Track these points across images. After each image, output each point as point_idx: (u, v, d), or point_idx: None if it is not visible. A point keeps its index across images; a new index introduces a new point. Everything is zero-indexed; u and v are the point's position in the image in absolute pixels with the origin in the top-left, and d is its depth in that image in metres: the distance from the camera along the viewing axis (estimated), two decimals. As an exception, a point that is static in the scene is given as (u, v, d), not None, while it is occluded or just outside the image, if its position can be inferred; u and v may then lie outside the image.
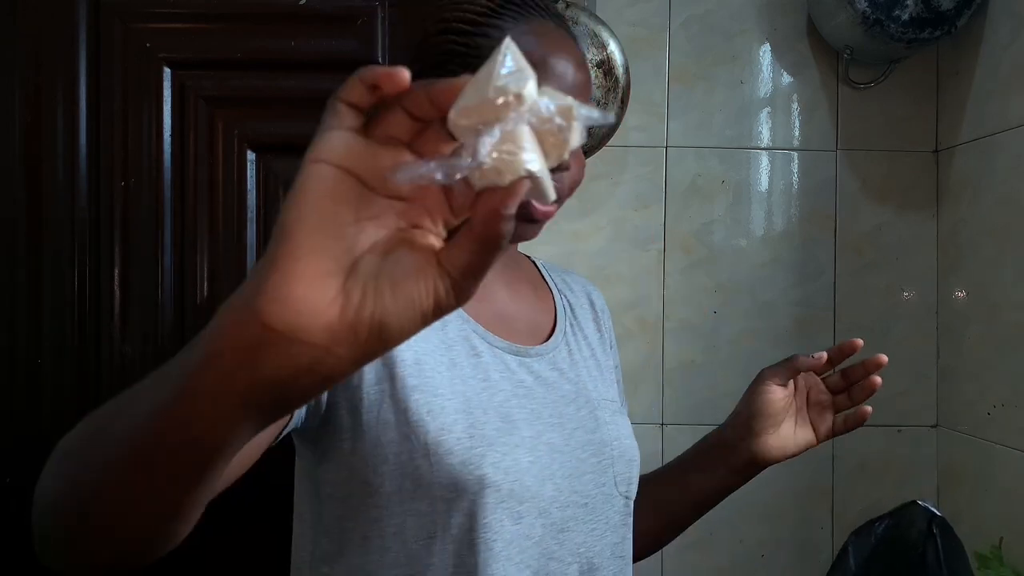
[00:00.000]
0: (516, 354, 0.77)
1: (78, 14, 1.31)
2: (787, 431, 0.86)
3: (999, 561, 1.13)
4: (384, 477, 0.68)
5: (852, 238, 1.40)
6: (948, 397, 1.37)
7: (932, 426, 1.40)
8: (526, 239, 0.77)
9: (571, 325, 0.88)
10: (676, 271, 1.39)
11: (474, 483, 0.67)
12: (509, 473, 0.69)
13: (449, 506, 0.67)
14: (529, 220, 0.73)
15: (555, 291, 0.91)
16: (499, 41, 0.63)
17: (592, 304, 0.94)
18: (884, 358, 0.84)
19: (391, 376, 0.69)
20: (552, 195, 0.35)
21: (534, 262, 0.94)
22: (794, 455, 0.87)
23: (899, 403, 1.39)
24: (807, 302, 1.40)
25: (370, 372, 0.69)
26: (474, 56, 0.71)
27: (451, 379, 0.71)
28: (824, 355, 0.83)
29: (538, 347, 0.80)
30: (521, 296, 0.85)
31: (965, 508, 1.31)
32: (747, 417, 0.86)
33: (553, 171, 0.66)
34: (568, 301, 0.91)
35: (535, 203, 0.70)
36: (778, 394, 0.85)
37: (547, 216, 0.73)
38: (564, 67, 0.71)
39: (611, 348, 0.95)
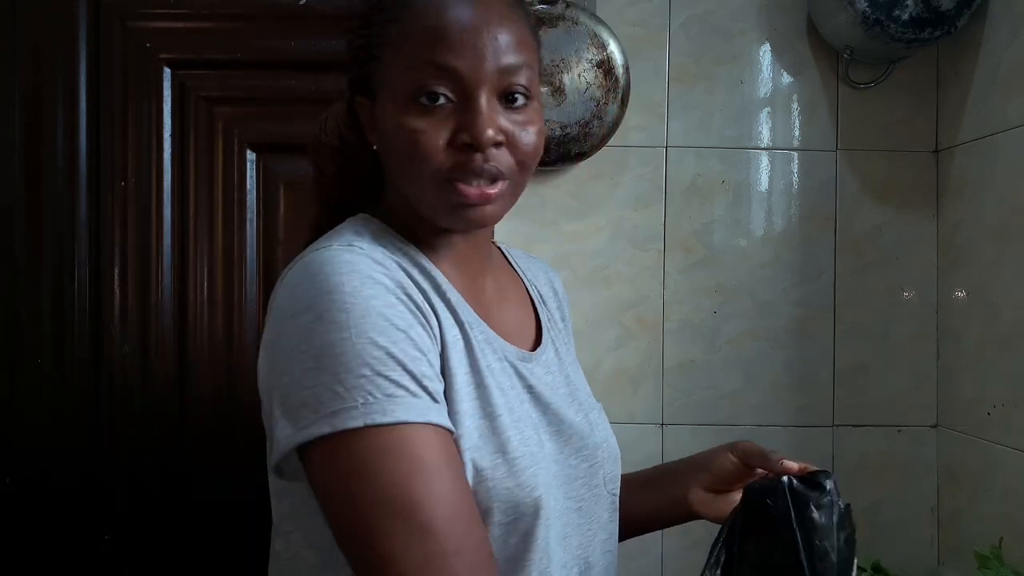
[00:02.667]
0: (521, 360, 0.76)
1: (78, 14, 1.31)
2: (724, 501, 0.82)
3: (999, 561, 1.13)
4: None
5: (852, 238, 1.40)
6: (948, 397, 1.37)
7: (932, 426, 1.40)
8: (481, 225, 0.70)
9: (549, 320, 0.87)
10: (676, 271, 1.39)
11: (530, 505, 0.65)
12: (548, 488, 0.68)
13: (504, 528, 0.65)
14: (462, 206, 0.67)
15: (526, 282, 0.89)
16: (401, 21, 0.66)
17: (555, 292, 0.92)
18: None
19: (450, 400, 0.65)
20: None
21: (502, 251, 0.90)
22: (711, 516, 0.83)
23: (899, 403, 1.39)
24: (807, 302, 1.40)
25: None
26: (377, 46, 0.68)
27: (482, 396, 0.68)
28: (795, 467, 0.77)
29: (534, 352, 0.79)
30: (510, 297, 0.83)
31: (965, 508, 1.31)
32: (699, 466, 0.85)
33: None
34: (539, 293, 0.89)
35: (460, 185, 0.66)
36: (731, 467, 0.81)
37: (483, 198, 0.66)
38: (468, 28, 0.64)
39: (571, 336, 0.94)
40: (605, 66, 1.30)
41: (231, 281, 1.33)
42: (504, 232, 1.29)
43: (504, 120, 0.66)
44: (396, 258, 0.67)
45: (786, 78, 1.40)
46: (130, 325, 1.32)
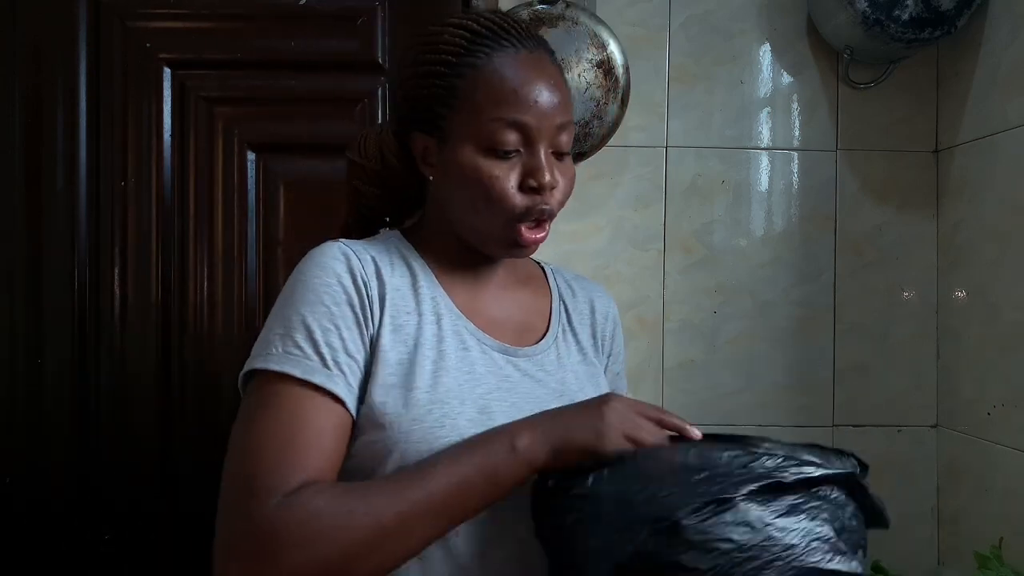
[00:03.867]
0: (503, 352, 0.82)
1: (78, 14, 1.31)
2: None
3: (999, 561, 1.13)
4: (384, 465, 0.73)
5: (852, 238, 1.40)
6: (948, 397, 1.37)
7: (932, 426, 1.40)
8: (522, 257, 0.85)
9: (563, 330, 0.90)
10: (676, 271, 1.39)
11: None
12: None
13: None
14: (518, 245, 0.80)
15: (555, 297, 0.93)
16: (474, 78, 0.76)
17: (593, 311, 0.95)
18: None
19: (374, 375, 0.74)
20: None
21: (543, 267, 0.97)
22: None
23: (899, 403, 1.39)
24: (807, 302, 1.40)
25: (360, 375, 0.75)
26: (451, 96, 0.78)
27: (434, 371, 0.76)
28: None
29: (527, 348, 0.84)
30: (515, 299, 0.89)
31: (965, 508, 1.31)
32: None
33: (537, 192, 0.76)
34: (566, 306, 0.93)
35: (523, 228, 0.79)
36: None
37: (537, 242, 0.81)
38: (538, 93, 0.77)
39: (608, 355, 0.96)
40: (605, 66, 1.30)
41: (231, 281, 1.33)
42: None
43: (556, 169, 0.79)
44: (375, 254, 0.80)
45: (786, 78, 1.40)
46: (130, 325, 1.32)
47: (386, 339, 0.76)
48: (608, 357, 0.96)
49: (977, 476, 1.28)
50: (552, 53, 0.82)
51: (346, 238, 0.83)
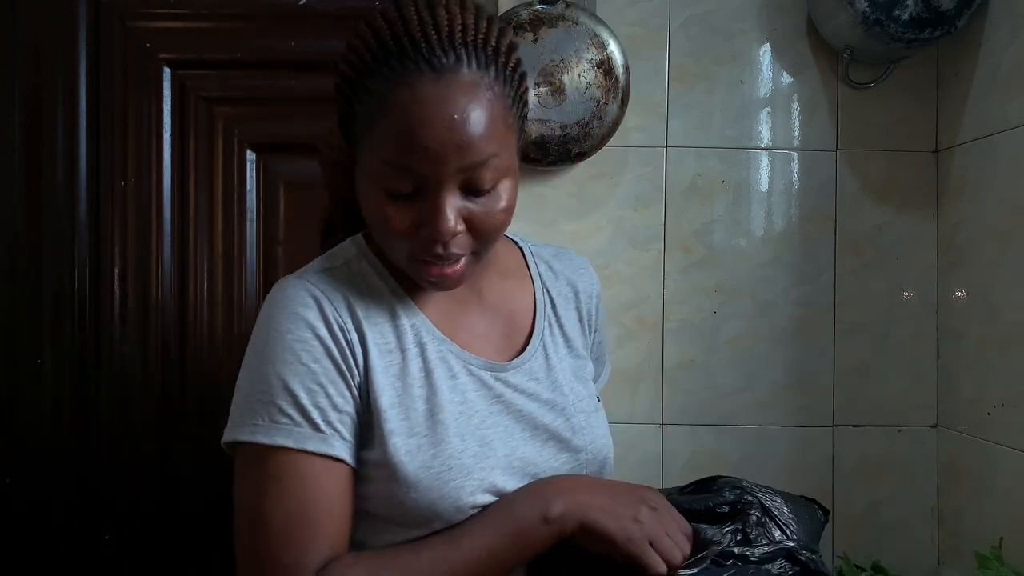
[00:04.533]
0: (490, 370, 0.80)
1: (78, 14, 1.31)
2: None
3: (999, 561, 1.13)
4: (378, 505, 0.73)
5: (852, 238, 1.40)
6: (948, 397, 1.37)
7: (932, 426, 1.40)
8: (448, 289, 0.77)
9: (549, 325, 0.88)
10: (676, 271, 1.39)
11: (453, 512, 0.72)
12: (488, 494, 0.74)
13: (431, 528, 0.73)
14: (427, 281, 0.74)
15: (537, 284, 0.89)
16: (371, 108, 0.63)
17: (577, 293, 0.92)
18: None
19: (372, 424, 0.73)
20: None
21: (522, 248, 0.92)
22: None
23: (899, 403, 1.39)
24: (807, 302, 1.40)
25: (354, 424, 0.73)
26: (355, 123, 0.71)
27: (428, 411, 0.74)
28: None
29: (513, 361, 0.82)
30: (496, 302, 0.85)
31: (965, 508, 1.31)
32: None
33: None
34: (549, 293, 0.90)
35: (425, 265, 0.72)
36: None
37: (443, 276, 0.73)
38: (433, 136, 0.65)
39: (595, 331, 0.94)
40: (605, 66, 1.30)
41: (231, 281, 1.33)
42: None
43: (467, 207, 0.70)
44: (345, 290, 0.75)
45: (786, 78, 1.40)
46: (130, 325, 1.32)
47: (376, 384, 0.73)
48: (594, 333, 0.94)
49: (977, 476, 1.28)
50: (491, 60, 0.68)
51: (330, 233, 0.80)
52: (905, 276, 1.40)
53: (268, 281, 1.34)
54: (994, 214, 1.25)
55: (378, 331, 0.75)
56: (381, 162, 0.68)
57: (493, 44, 0.69)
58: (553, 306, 0.89)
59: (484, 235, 0.72)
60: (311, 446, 0.69)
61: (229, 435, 0.72)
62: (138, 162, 1.32)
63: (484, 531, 0.70)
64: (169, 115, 1.33)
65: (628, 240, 1.39)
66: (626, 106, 1.32)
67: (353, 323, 0.74)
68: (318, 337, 0.71)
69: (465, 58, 0.67)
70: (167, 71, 1.32)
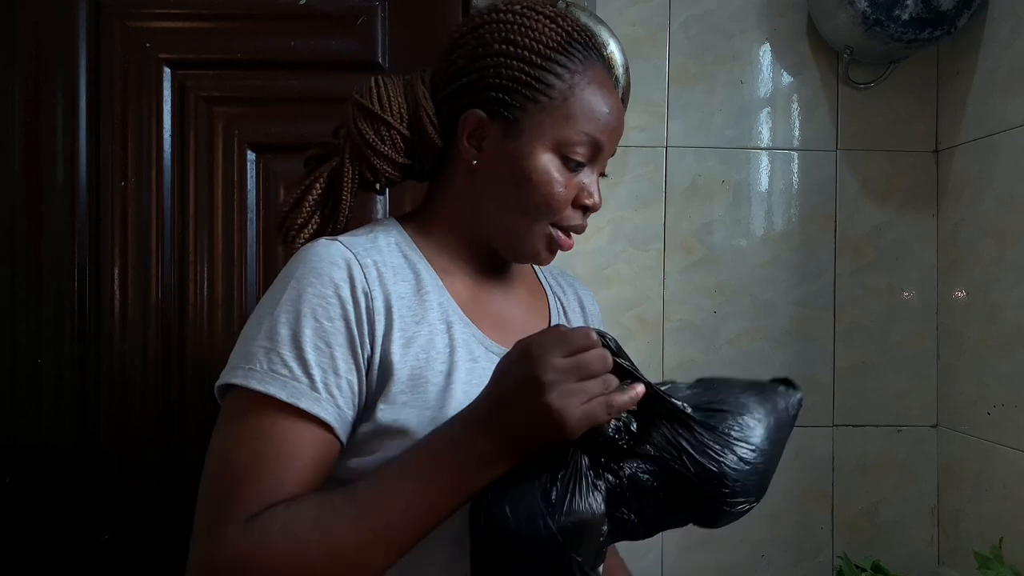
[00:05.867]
0: None
1: (78, 14, 1.31)
2: None
3: (999, 561, 1.13)
4: None
5: (852, 238, 1.40)
6: (948, 397, 1.37)
7: (932, 426, 1.40)
8: (540, 264, 0.84)
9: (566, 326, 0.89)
10: (676, 271, 1.39)
11: None
12: None
13: None
14: (551, 251, 0.81)
15: (549, 293, 0.93)
16: (572, 83, 0.77)
17: (582, 306, 0.97)
18: None
19: (385, 391, 0.70)
20: None
21: (533, 265, 0.96)
22: None
23: (899, 403, 1.39)
24: (807, 302, 1.40)
25: (354, 396, 0.71)
26: (539, 91, 0.75)
27: (444, 387, 0.72)
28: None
29: None
30: (519, 301, 0.88)
31: (965, 508, 1.31)
32: None
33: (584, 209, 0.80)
34: (561, 303, 0.94)
35: (561, 235, 0.79)
36: None
37: (570, 247, 0.81)
38: (616, 117, 0.79)
39: None
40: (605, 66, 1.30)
41: (231, 281, 1.33)
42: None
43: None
44: (376, 257, 0.74)
45: (786, 78, 1.40)
46: (130, 325, 1.32)
47: (396, 354, 0.71)
48: None
49: (977, 476, 1.28)
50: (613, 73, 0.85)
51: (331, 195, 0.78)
52: (905, 276, 1.40)
53: (268, 281, 1.34)
54: (994, 214, 1.25)
55: (406, 303, 0.74)
56: (578, 132, 0.76)
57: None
58: (565, 312, 0.93)
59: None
60: (303, 403, 0.66)
61: (223, 379, 0.69)
62: (138, 162, 1.31)
63: (416, 480, 0.64)
64: (169, 115, 1.32)
65: (628, 240, 1.39)
66: (626, 106, 1.32)
67: (381, 291, 0.72)
68: (339, 297, 0.69)
69: (601, 59, 0.82)
70: (167, 71, 1.32)
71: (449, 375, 0.73)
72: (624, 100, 1.31)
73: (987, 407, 1.25)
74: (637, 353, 1.38)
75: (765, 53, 1.40)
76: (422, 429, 0.69)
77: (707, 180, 1.39)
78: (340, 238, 0.75)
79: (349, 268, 0.71)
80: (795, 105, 1.40)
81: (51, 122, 1.31)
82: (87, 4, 1.31)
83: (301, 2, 1.33)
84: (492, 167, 0.77)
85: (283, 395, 0.66)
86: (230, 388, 0.69)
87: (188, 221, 1.33)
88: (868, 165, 1.40)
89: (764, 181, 1.40)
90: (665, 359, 1.39)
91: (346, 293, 0.70)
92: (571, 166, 0.77)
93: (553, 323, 0.89)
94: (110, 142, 1.31)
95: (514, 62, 0.75)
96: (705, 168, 1.39)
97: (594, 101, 0.77)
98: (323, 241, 0.73)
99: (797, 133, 1.40)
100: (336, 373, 0.68)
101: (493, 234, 0.80)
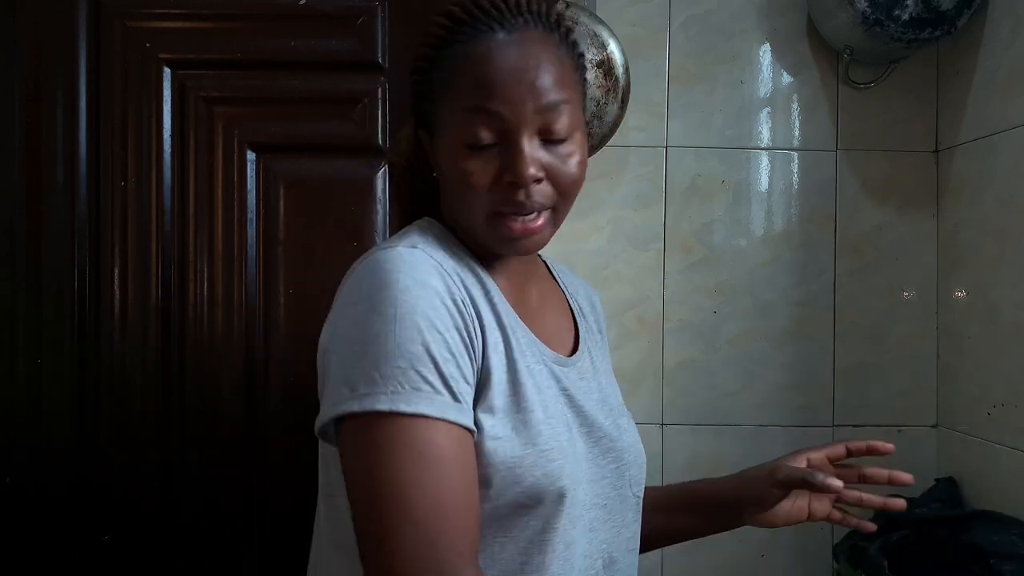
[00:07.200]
0: (559, 364, 0.80)
1: (78, 14, 1.31)
2: (787, 504, 0.89)
3: (999, 561, 1.12)
4: (491, 485, 0.69)
5: (852, 238, 1.40)
6: (948, 397, 1.37)
7: (932, 426, 1.40)
8: (528, 253, 0.77)
9: (587, 331, 0.90)
10: (676, 271, 1.39)
11: (554, 493, 0.70)
12: (574, 481, 0.73)
13: (528, 511, 0.70)
14: (506, 239, 0.74)
15: (567, 294, 0.93)
16: (451, 69, 0.72)
17: (593, 307, 0.97)
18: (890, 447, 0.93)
19: (483, 398, 0.70)
20: None
21: (544, 261, 0.95)
22: (776, 525, 0.90)
23: (899, 403, 1.39)
24: (807, 302, 1.40)
25: (473, 391, 0.70)
26: (435, 88, 0.74)
27: (532, 388, 0.73)
28: (838, 484, 0.81)
29: (572, 357, 0.83)
30: (551, 305, 0.88)
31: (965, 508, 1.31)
32: (749, 500, 0.89)
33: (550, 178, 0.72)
34: (579, 305, 0.93)
35: (507, 220, 0.72)
36: (780, 496, 0.87)
37: (526, 232, 0.73)
38: (510, 77, 0.70)
39: (607, 348, 0.98)
40: (605, 66, 1.30)
41: (231, 281, 1.33)
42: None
43: (545, 156, 0.72)
44: (452, 262, 0.73)
45: (786, 78, 1.40)
46: (130, 325, 1.32)
47: (492, 359, 0.71)
48: (606, 347, 0.97)
49: (977, 476, 1.28)
50: (555, 27, 0.75)
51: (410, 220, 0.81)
52: (905, 276, 1.40)
53: (268, 281, 1.34)
54: (994, 214, 1.25)
55: (483, 307, 0.73)
56: (463, 110, 0.71)
57: (554, 16, 0.75)
58: (584, 318, 0.92)
59: (563, 187, 0.74)
60: (451, 415, 0.64)
61: (352, 406, 0.64)
62: (138, 162, 1.31)
63: None
64: (169, 115, 1.32)
65: (628, 240, 1.39)
66: (626, 106, 1.32)
67: (469, 297, 0.72)
68: (446, 306, 0.68)
69: (532, 22, 0.73)
70: (167, 71, 1.32)
71: (527, 376, 0.73)
72: (624, 100, 1.31)
73: (987, 407, 1.25)
74: (637, 353, 1.38)
75: (765, 53, 1.40)
76: (519, 433, 0.69)
77: (707, 180, 1.39)
78: (418, 245, 0.72)
79: (444, 277, 0.70)
80: (795, 105, 1.40)
81: (51, 122, 1.31)
82: (87, 4, 1.31)
83: (301, 2, 1.33)
84: (438, 174, 0.78)
85: (432, 412, 0.64)
86: (359, 415, 0.64)
87: (188, 221, 1.33)
88: (868, 165, 1.40)
89: (764, 181, 1.40)
90: (665, 359, 1.39)
91: (450, 302, 0.69)
92: (477, 149, 0.71)
93: (580, 328, 0.88)
94: (110, 142, 1.31)
95: (414, 75, 0.77)
96: (705, 168, 1.39)
97: (471, 72, 0.70)
98: (404, 250, 0.70)
99: (797, 133, 1.40)
100: (466, 381, 0.68)
101: (465, 237, 0.79)
